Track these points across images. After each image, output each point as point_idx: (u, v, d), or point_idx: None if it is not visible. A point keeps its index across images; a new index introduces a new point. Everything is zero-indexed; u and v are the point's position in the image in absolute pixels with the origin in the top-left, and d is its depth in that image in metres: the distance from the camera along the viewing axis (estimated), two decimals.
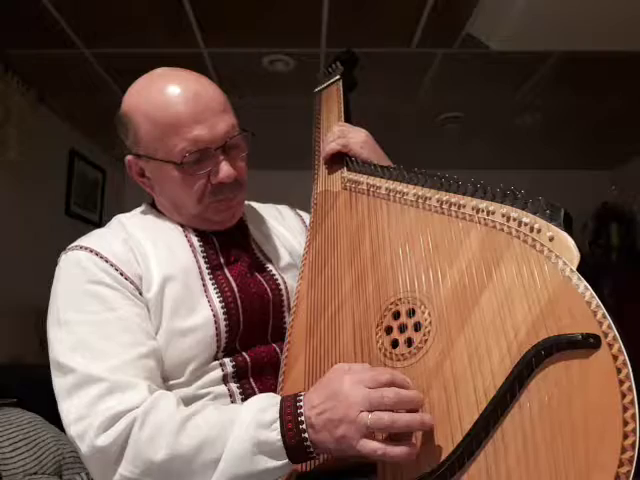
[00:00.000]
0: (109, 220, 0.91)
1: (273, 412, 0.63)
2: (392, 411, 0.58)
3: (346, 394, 0.60)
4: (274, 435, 0.62)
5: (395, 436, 0.58)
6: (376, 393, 0.59)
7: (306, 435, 0.61)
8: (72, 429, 0.67)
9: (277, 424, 0.62)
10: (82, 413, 0.67)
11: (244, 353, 0.83)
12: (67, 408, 0.69)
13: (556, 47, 2.25)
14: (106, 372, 0.69)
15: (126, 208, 0.94)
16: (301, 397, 0.64)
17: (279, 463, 0.62)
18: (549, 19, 1.97)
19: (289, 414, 0.62)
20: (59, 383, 0.72)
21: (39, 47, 2.26)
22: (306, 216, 1.07)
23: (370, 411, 0.58)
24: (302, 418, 0.62)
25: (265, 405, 0.65)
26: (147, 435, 0.64)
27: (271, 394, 0.69)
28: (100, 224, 3.34)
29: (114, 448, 0.65)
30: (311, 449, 0.61)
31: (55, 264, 0.83)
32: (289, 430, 0.61)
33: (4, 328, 2.42)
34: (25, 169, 2.61)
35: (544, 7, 1.89)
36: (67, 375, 0.70)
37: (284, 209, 1.10)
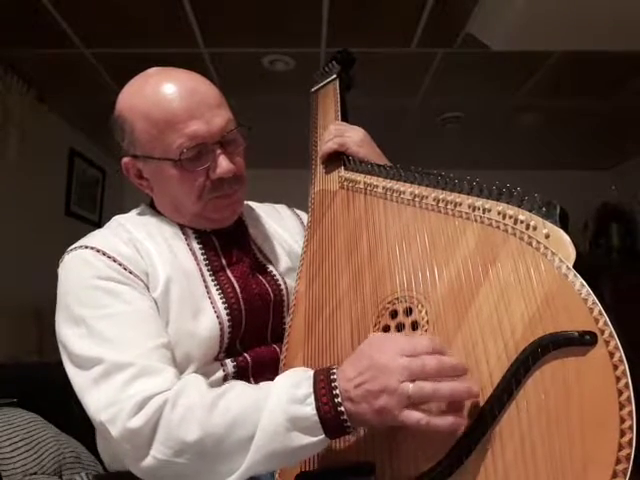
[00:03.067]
0: (109, 220, 0.91)
1: (306, 386, 0.61)
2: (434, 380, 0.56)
3: (385, 364, 0.57)
4: (309, 410, 0.60)
5: (439, 406, 0.56)
6: (417, 361, 0.56)
7: (342, 408, 0.59)
8: (102, 415, 0.66)
9: (311, 398, 0.60)
10: (112, 399, 0.66)
11: (245, 353, 0.83)
12: (95, 397, 0.68)
13: (556, 47, 2.25)
14: (134, 358, 0.69)
15: (126, 208, 0.94)
16: (334, 370, 0.62)
17: (315, 439, 0.60)
18: (549, 19, 1.96)
19: (323, 387, 0.60)
20: (83, 377, 0.70)
21: (39, 47, 2.26)
22: (304, 215, 1.07)
23: (411, 381, 0.56)
24: (337, 391, 0.60)
25: (297, 380, 0.63)
26: (179, 416, 0.64)
27: (303, 368, 0.67)
28: (100, 224, 3.34)
29: (146, 430, 0.64)
30: (348, 423, 0.59)
31: (55, 264, 0.82)
32: (324, 404, 0.59)
33: (4, 328, 2.41)
34: (25, 169, 2.61)
35: (544, 7, 1.89)
36: (94, 367, 0.69)
37: (282, 208, 1.09)
